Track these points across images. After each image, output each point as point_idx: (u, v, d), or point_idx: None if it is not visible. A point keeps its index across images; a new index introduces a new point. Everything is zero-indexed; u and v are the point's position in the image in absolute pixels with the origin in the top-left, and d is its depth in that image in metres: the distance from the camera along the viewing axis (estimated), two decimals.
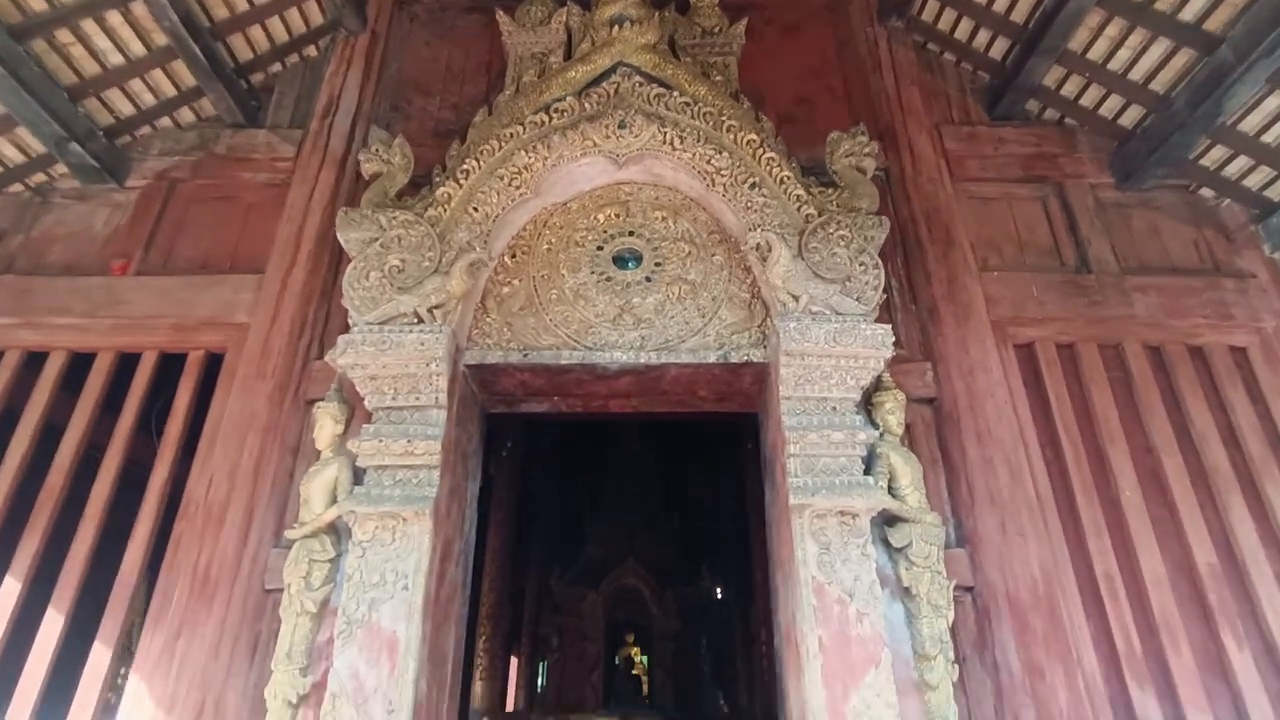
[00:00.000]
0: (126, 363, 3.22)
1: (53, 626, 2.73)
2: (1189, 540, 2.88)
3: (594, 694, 10.72)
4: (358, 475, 2.51)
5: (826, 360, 2.56)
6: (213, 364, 3.21)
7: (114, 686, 2.67)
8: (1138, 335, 3.28)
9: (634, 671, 11.61)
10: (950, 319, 3.21)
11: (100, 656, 2.66)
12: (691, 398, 3.10)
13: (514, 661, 15.07)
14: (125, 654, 2.72)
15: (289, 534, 2.50)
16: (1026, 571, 2.68)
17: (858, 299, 2.65)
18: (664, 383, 2.94)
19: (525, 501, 13.69)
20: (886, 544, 2.51)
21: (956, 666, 2.36)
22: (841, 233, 2.73)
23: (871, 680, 2.15)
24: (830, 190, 2.95)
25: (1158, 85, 3.36)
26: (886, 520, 2.55)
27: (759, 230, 2.70)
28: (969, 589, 2.72)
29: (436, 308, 2.61)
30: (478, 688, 10.82)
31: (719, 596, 13.45)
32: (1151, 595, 2.78)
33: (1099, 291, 3.34)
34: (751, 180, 2.82)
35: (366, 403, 2.56)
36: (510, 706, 13.43)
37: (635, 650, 11.76)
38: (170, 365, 3.23)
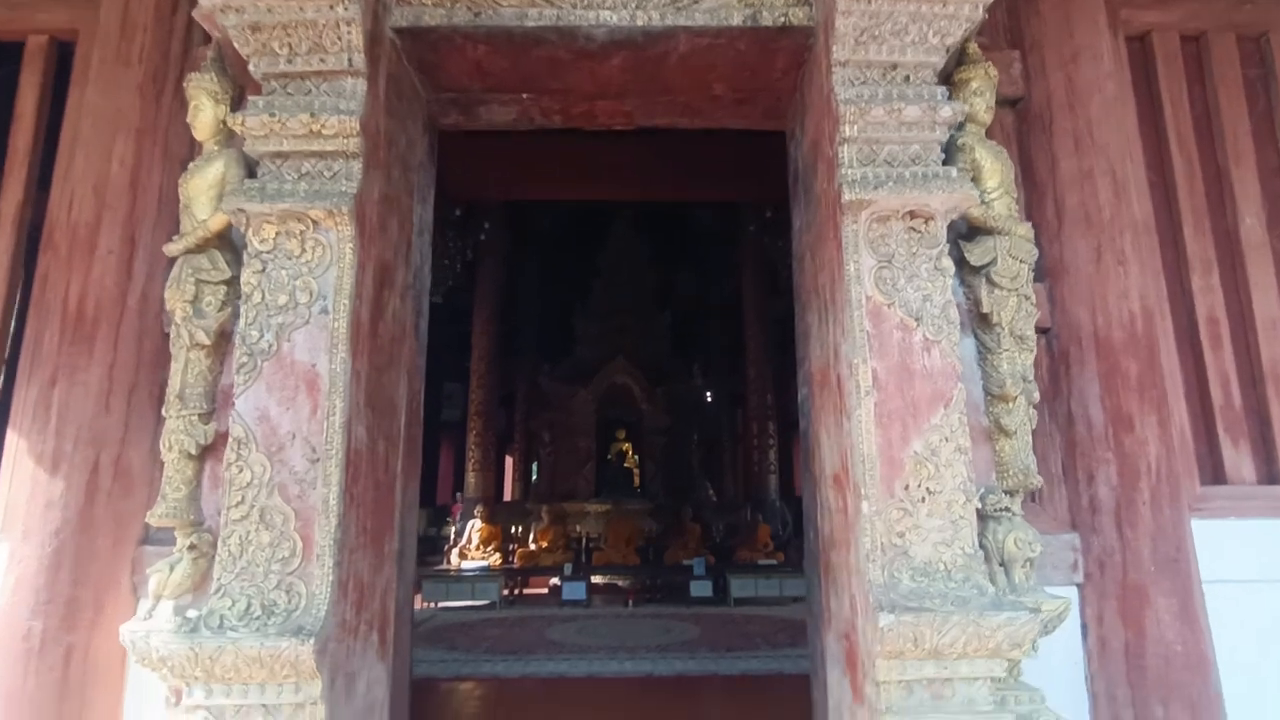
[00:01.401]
0: None
1: None
2: None
3: (586, 485, 11.02)
4: (252, 171, 1.84)
5: (900, 8, 1.79)
6: (63, 55, 2.40)
7: None
8: None
9: (625, 464, 11.88)
10: None
11: None
12: (704, 99, 2.35)
13: (509, 460, 15.61)
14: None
15: (167, 248, 1.87)
16: (1123, 306, 2.15)
17: None
18: (669, 68, 2.18)
19: (513, 302, 13.27)
20: (959, 263, 1.92)
21: (1035, 412, 1.88)
22: None
23: (940, 421, 1.67)
24: None
25: None
26: (961, 235, 1.95)
27: None
28: (1044, 331, 2.21)
29: None
30: (470, 479, 11.14)
31: (709, 398, 13.53)
32: (1261, 341, 2.30)
33: None
34: None
35: (251, 68, 1.80)
36: (508, 497, 14.13)
37: (626, 445, 11.95)
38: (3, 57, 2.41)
